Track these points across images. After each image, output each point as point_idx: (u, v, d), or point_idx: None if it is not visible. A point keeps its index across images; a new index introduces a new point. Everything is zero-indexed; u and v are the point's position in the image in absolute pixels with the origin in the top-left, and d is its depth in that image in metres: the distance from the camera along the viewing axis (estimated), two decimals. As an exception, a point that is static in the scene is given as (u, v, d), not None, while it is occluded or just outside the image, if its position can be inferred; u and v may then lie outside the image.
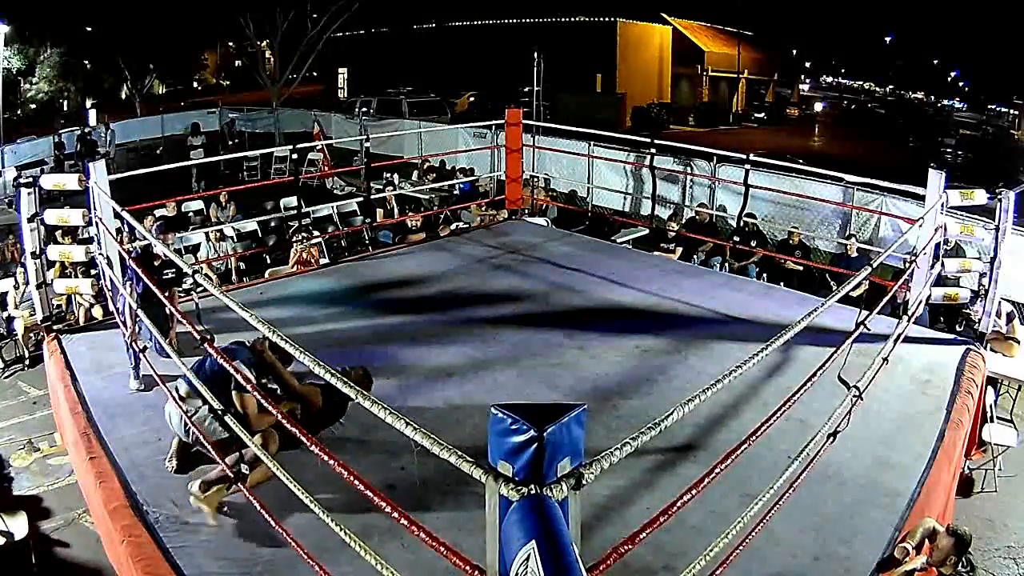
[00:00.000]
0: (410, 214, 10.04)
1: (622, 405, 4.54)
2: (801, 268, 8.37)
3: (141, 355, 4.52)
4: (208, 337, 3.24)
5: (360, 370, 4.04)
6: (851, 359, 3.51)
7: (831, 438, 3.42)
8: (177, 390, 3.73)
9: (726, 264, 8.50)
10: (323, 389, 3.91)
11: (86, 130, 19.80)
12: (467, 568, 1.94)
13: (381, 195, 10.33)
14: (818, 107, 44.50)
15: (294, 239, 8.23)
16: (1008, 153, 31.50)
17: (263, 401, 2.98)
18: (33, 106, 29.73)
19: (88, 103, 28.10)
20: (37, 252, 5.29)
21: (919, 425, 4.34)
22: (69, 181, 5.21)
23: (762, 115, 38.83)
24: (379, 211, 10.10)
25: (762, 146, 19.34)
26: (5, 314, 7.96)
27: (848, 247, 8.26)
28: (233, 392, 3.59)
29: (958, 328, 6.23)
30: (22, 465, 5.61)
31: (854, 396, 3.50)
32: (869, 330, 3.79)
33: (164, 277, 4.87)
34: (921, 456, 4.01)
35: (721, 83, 43.01)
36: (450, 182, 13.06)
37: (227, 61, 46.52)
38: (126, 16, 26.64)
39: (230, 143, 21.15)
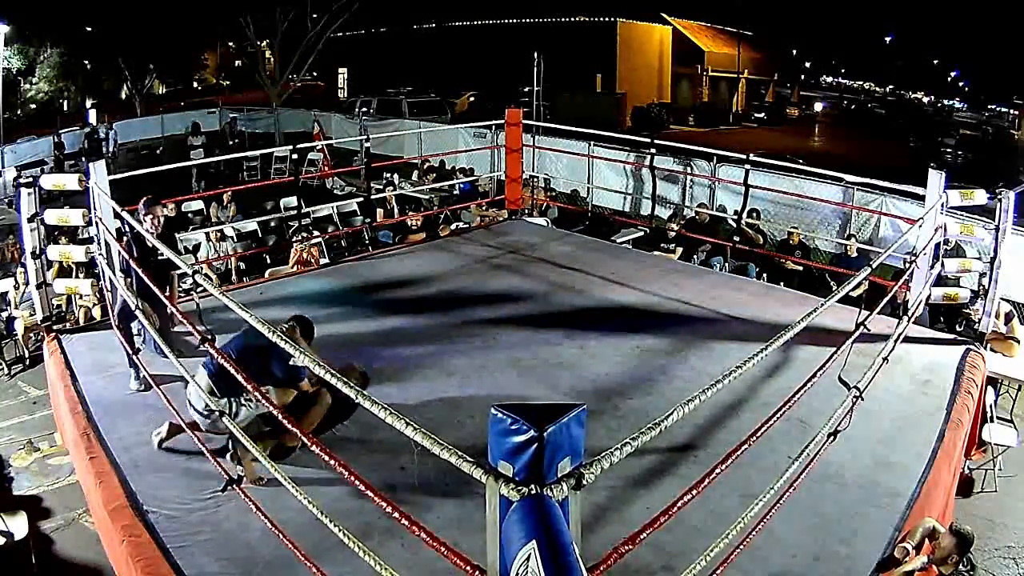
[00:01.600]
0: (410, 214, 10.05)
1: (622, 405, 4.54)
2: (801, 268, 8.37)
3: (135, 357, 4.51)
4: (209, 337, 3.23)
5: (358, 369, 4.04)
6: (851, 359, 3.51)
7: (831, 438, 3.42)
8: (203, 375, 3.74)
9: (726, 264, 8.50)
10: (331, 390, 3.91)
11: (91, 129, 19.85)
12: (467, 568, 1.94)
13: (381, 195, 10.33)
14: (818, 107, 44.51)
15: (294, 239, 8.23)
16: (1008, 153, 31.49)
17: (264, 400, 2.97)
18: (33, 106, 29.74)
19: (88, 103, 28.12)
20: (37, 252, 5.29)
21: (919, 425, 4.34)
22: (69, 181, 5.21)
23: (762, 115, 38.85)
24: (379, 211, 10.11)
25: (762, 146, 19.32)
26: (5, 314, 7.96)
27: (848, 247, 8.26)
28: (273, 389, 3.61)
29: (958, 328, 6.23)
30: (22, 465, 5.61)
31: (854, 396, 3.50)
32: (869, 330, 3.79)
33: (159, 258, 4.75)
34: (921, 456, 4.00)
35: (721, 83, 43.03)
36: (450, 182, 13.07)
37: (227, 61, 46.50)
38: (126, 16, 26.64)
39: (230, 143, 21.19)
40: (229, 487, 3.25)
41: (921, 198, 6.15)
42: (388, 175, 13.09)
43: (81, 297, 7.11)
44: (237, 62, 45.22)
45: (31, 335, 7.58)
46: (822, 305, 3.15)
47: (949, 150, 28.57)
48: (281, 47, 24.54)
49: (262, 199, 11.17)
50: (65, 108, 30.57)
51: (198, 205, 11.35)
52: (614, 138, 12.46)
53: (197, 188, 13.97)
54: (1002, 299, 5.82)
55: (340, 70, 41.11)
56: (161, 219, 4.98)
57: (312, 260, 8.02)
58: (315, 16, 24.62)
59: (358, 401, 2.20)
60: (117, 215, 4.90)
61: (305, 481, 3.38)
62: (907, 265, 5.58)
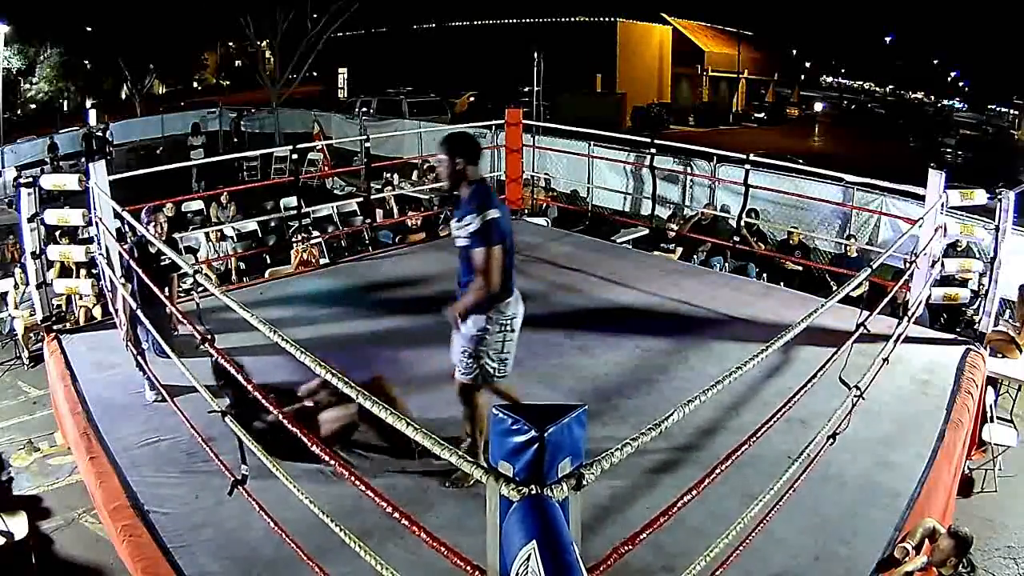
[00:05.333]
0: (410, 214, 10.05)
1: (622, 405, 4.54)
2: (801, 268, 8.37)
3: (147, 364, 4.47)
4: (209, 337, 3.23)
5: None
6: (851, 359, 3.50)
7: (831, 439, 3.42)
8: None
9: (726, 264, 8.50)
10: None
11: (96, 128, 19.91)
12: (467, 568, 1.94)
13: (381, 195, 10.33)
14: (818, 107, 44.48)
15: (294, 239, 8.23)
16: (1008, 153, 31.48)
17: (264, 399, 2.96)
18: (33, 106, 29.75)
19: (88, 103, 28.14)
20: (37, 252, 5.29)
21: (919, 425, 4.34)
22: (69, 181, 5.21)
23: (762, 115, 38.83)
24: (379, 211, 10.10)
25: (762, 146, 19.30)
26: (5, 314, 7.96)
27: (848, 247, 8.26)
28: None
29: (958, 328, 6.23)
30: (22, 465, 5.61)
31: (855, 396, 3.49)
32: (869, 330, 3.79)
33: (162, 264, 4.77)
34: (921, 456, 4.00)
35: (721, 83, 43.04)
36: (450, 182, 13.04)
37: (227, 61, 46.54)
38: (126, 16, 26.67)
39: (234, 140, 21.31)
40: (236, 488, 3.23)
41: (921, 198, 6.15)
42: (388, 175, 13.08)
43: (81, 297, 7.11)
44: (237, 62, 45.27)
45: (31, 335, 7.57)
46: (822, 306, 3.15)
47: (949, 150, 28.55)
48: (281, 47, 24.54)
49: (262, 199, 11.17)
50: (65, 108, 30.59)
51: (198, 205, 11.35)
52: (614, 138, 12.45)
53: (197, 188, 13.97)
54: (1002, 299, 5.83)
55: (340, 70, 41.10)
56: (164, 225, 4.98)
57: (312, 260, 8.03)
58: (315, 16, 24.61)
59: (359, 401, 2.20)
60: (117, 216, 4.90)
61: (306, 481, 3.39)
62: (907, 265, 5.57)
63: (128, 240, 4.94)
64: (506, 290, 3.52)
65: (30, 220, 5.18)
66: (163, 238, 4.86)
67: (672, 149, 11.32)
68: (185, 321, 3.53)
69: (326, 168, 15.70)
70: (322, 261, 8.17)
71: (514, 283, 3.60)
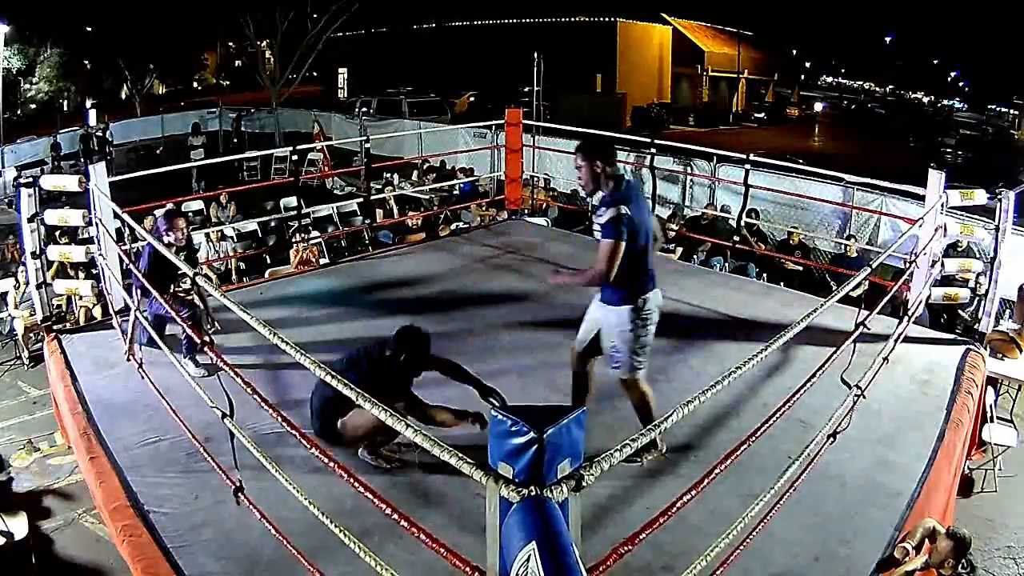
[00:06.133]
0: (410, 214, 10.05)
1: (622, 405, 4.52)
2: (801, 268, 8.37)
3: (150, 332, 4.45)
4: (209, 341, 3.23)
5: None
6: (851, 359, 3.51)
7: (831, 438, 3.42)
8: None
9: (726, 264, 8.50)
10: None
11: (96, 128, 19.90)
12: (467, 569, 1.94)
13: (381, 195, 10.33)
14: (818, 107, 44.45)
15: (294, 239, 8.24)
16: (1008, 153, 31.47)
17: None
18: (33, 106, 29.75)
19: (88, 103, 28.13)
20: (37, 252, 5.29)
21: (919, 425, 4.34)
22: (69, 182, 5.21)
23: (762, 115, 38.82)
24: (379, 211, 10.11)
25: (762, 146, 19.30)
26: (5, 314, 7.96)
27: (848, 247, 8.25)
28: None
29: (958, 328, 6.22)
30: (22, 465, 5.60)
31: (855, 396, 3.49)
32: (869, 330, 3.79)
33: (177, 272, 4.79)
34: (921, 456, 4.00)
35: (721, 83, 43.04)
36: (450, 182, 13.07)
37: (227, 61, 46.55)
38: (126, 16, 26.68)
39: (234, 140, 21.32)
40: (237, 495, 3.23)
41: (921, 198, 6.15)
42: (388, 175, 13.09)
43: (81, 297, 7.10)
44: (237, 62, 45.28)
45: (31, 335, 7.57)
46: (822, 305, 3.14)
47: (949, 150, 28.55)
48: (281, 47, 24.54)
49: (262, 199, 11.16)
50: (65, 108, 30.58)
51: (198, 205, 11.36)
52: (614, 138, 12.39)
53: (197, 188, 13.96)
54: (1002, 299, 5.82)
55: (340, 70, 41.10)
56: (184, 231, 4.99)
57: (312, 260, 8.03)
58: (315, 16, 24.61)
59: (358, 403, 2.20)
60: (117, 216, 4.90)
61: (306, 481, 3.39)
62: (907, 265, 5.57)
63: (145, 254, 4.92)
64: (646, 286, 3.83)
65: (30, 220, 5.18)
66: (183, 242, 4.96)
67: (672, 149, 11.32)
68: (184, 326, 3.53)
69: (326, 168, 15.70)
70: (322, 261, 8.17)
71: (653, 279, 3.87)
